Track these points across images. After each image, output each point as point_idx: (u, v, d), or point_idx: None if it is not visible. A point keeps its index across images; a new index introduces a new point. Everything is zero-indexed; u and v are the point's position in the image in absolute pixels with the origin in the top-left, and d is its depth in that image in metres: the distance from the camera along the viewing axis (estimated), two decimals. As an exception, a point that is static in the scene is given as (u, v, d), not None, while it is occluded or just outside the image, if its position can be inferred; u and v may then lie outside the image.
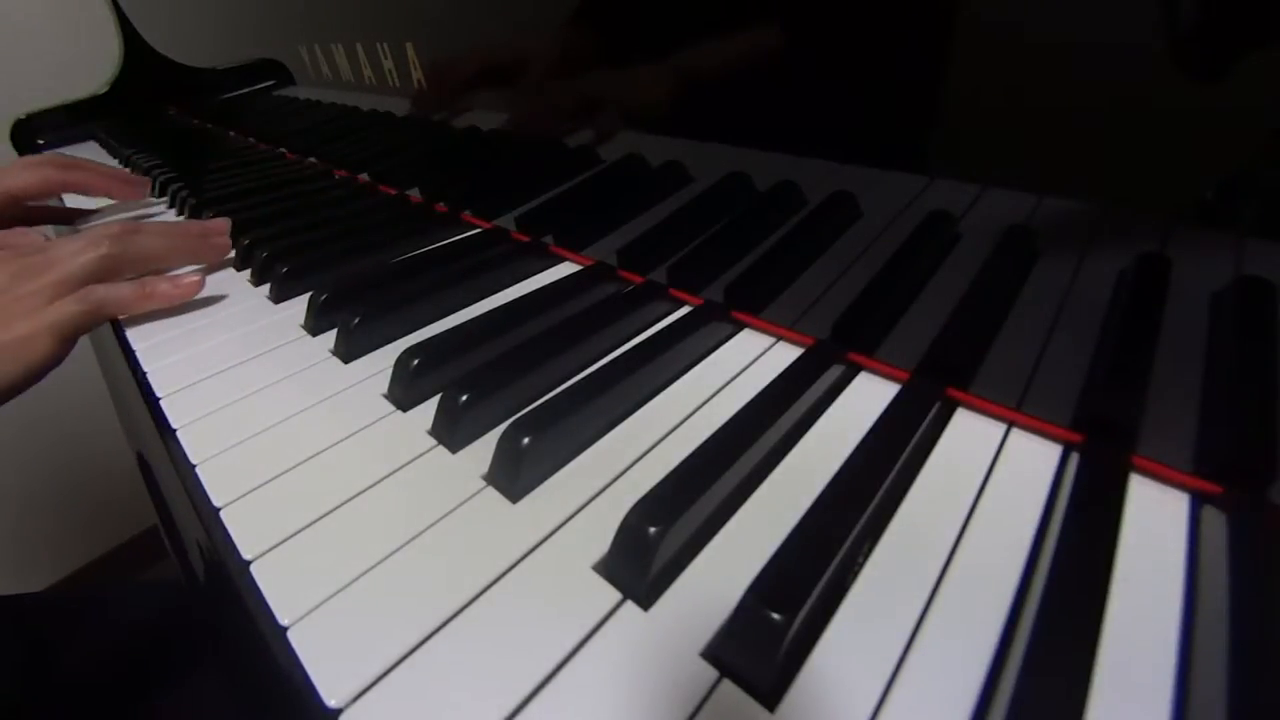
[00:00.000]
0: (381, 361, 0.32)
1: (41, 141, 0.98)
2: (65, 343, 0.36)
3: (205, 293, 0.42)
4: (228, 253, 0.47)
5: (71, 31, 1.08)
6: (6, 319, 0.35)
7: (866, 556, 0.20)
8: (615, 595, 0.20)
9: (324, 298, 0.36)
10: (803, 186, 0.29)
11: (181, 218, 0.59)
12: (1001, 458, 0.24)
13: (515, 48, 0.39)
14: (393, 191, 0.57)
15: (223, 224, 0.47)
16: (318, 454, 0.26)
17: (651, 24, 0.31)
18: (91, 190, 0.60)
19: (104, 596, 0.54)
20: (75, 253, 0.39)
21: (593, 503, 0.23)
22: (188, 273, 0.42)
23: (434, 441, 0.27)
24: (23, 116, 0.95)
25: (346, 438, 0.27)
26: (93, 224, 0.53)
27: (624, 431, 0.27)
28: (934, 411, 0.26)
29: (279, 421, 0.28)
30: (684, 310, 0.35)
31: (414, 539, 0.22)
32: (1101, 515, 0.21)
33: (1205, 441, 0.21)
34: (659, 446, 0.26)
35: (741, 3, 0.27)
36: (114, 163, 0.86)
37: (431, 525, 0.22)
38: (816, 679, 0.17)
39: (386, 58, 0.48)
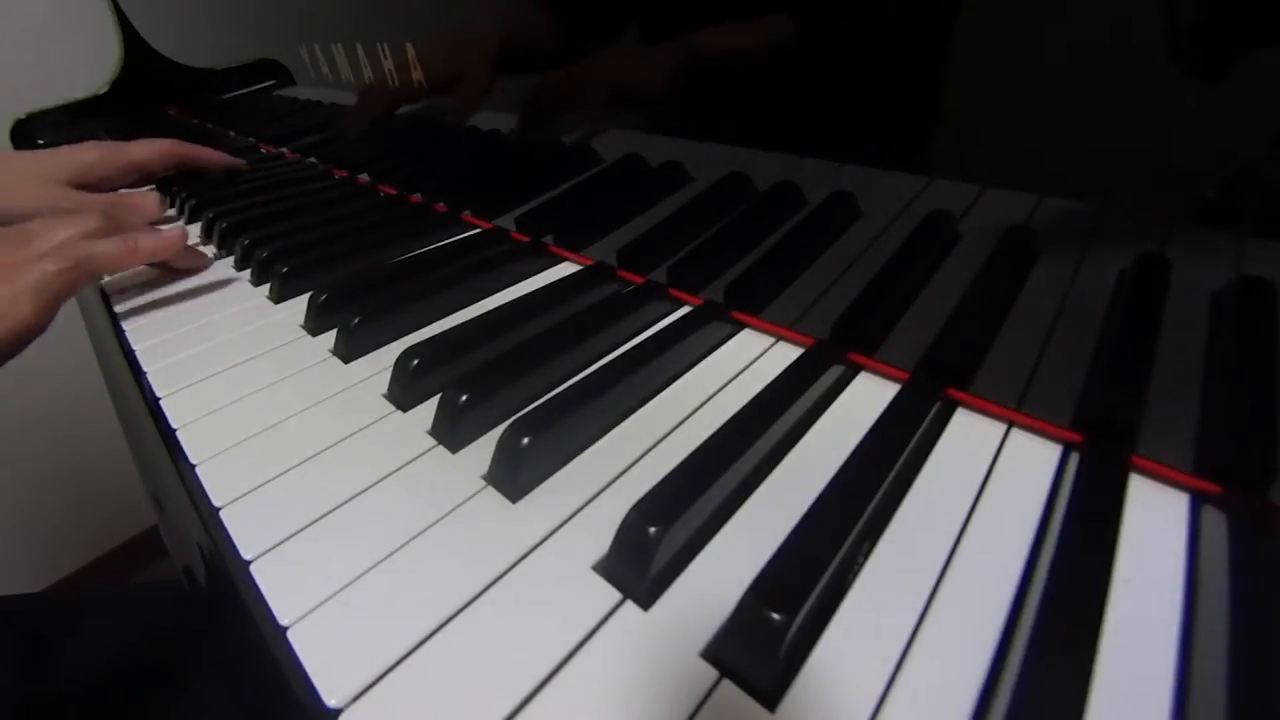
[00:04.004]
0: (381, 361, 0.32)
1: (41, 141, 0.98)
2: (47, 304, 0.36)
3: (206, 293, 0.43)
4: (181, 242, 0.46)
5: (71, 31, 1.08)
6: None
7: (867, 556, 0.20)
8: (615, 595, 0.20)
9: (324, 298, 0.36)
10: (803, 186, 0.29)
11: (181, 219, 0.59)
12: (1001, 458, 0.24)
13: (518, 48, 0.39)
14: (393, 191, 0.57)
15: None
16: (318, 454, 0.26)
17: (652, 24, 0.31)
18: (204, 162, 0.64)
19: (103, 597, 0.54)
20: (62, 223, 0.39)
21: (593, 502, 0.23)
22: (171, 227, 0.44)
23: (434, 441, 0.27)
24: (22, 116, 0.95)
25: (346, 438, 0.27)
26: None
27: (624, 431, 0.27)
28: (934, 411, 0.26)
29: (279, 421, 0.28)
30: (684, 310, 0.35)
31: (414, 539, 0.22)
32: (1101, 515, 0.21)
33: (1205, 441, 0.21)
34: (659, 446, 0.26)
35: (742, 3, 0.27)
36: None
37: (431, 525, 0.22)
38: (817, 679, 0.17)
39: (386, 58, 0.48)
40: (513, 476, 0.24)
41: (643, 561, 0.19)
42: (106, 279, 0.47)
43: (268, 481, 0.25)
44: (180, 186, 0.62)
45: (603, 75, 0.35)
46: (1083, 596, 0.18)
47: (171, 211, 0.63)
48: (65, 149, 0.56)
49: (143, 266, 0.47)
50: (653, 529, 0.19)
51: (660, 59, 0.31)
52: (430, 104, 0.49)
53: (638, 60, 0.33)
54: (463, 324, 0.34)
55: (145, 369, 0.34)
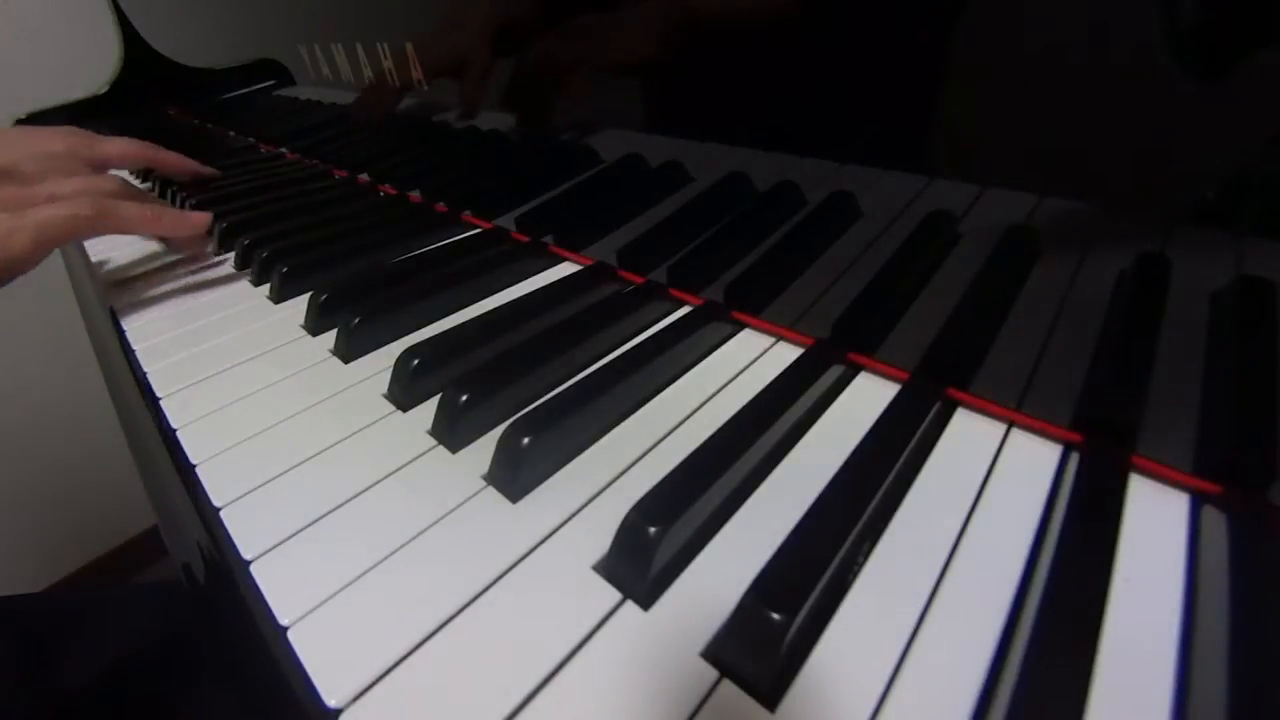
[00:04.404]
0: (382, 361, 0.32)
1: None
2: (45, 245, 0.36)
3: (206, 293, 0.43)
4: (204, 227, 0.47)
5: (71, 31, 1.08)
6: None
7: (867, 556, 0.20)
8: (615, 595, 0.20)
9: (324, 298, 0.36)
10: (803, 186, 0.29)
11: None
12: (1001, 458, 0.24)
13: (516, 43, 0.39)
14: (393, 191, 0.57)
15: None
16: (318, 454, 0.26)
17: (653, 20, 0.31)
18: (172, 169, 0.62)
19: (103, 597, 0.54)
20: (80, 177, 0.40)
21: (593, 502, 0.23)
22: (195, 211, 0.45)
23: (434, 441, 0.27)
24: (22, 116, 0.95)
25: (346, 438, 0.27)
26: None
27: (624, 431, 0.27)
28: (934, 411, 0.26)
29: (279, 421, 0.28)
30: (684, 310, 0.35)
31: (414, 539, 0.22)
32: (1101, 515, 0.21)
33: (1205, 441, 0.21)
34: (659, 446, 0.26)
35: (742, 2, 0.27)
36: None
37: (432, 525, 0.22)
38: (817, 679, 0.17)
39: (386, 58, 0.48)
40: (513, 476, 0.24)
41: (643, 561, 0.19)
42: (106, 269, 0.47)
43: (268, 481, 0.25)
44: (180, 185, 0.62)
45: (600, 55, 0.35)
46: (1083, 596, 0.18)
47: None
48: (33, 131, 0.53)
49: (145, 263, 0.47)
50: (653, 529, 0.19)
51: (662, 56, 0.31)
52: (437, 95, 0.49)
53: (639, 57, 0.33)
54: (463, 324, 0.34)
55: (145, 369, 0.34)
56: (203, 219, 0.45)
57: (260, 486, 0.25)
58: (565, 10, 0.35)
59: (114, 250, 0.51)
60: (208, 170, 0.64)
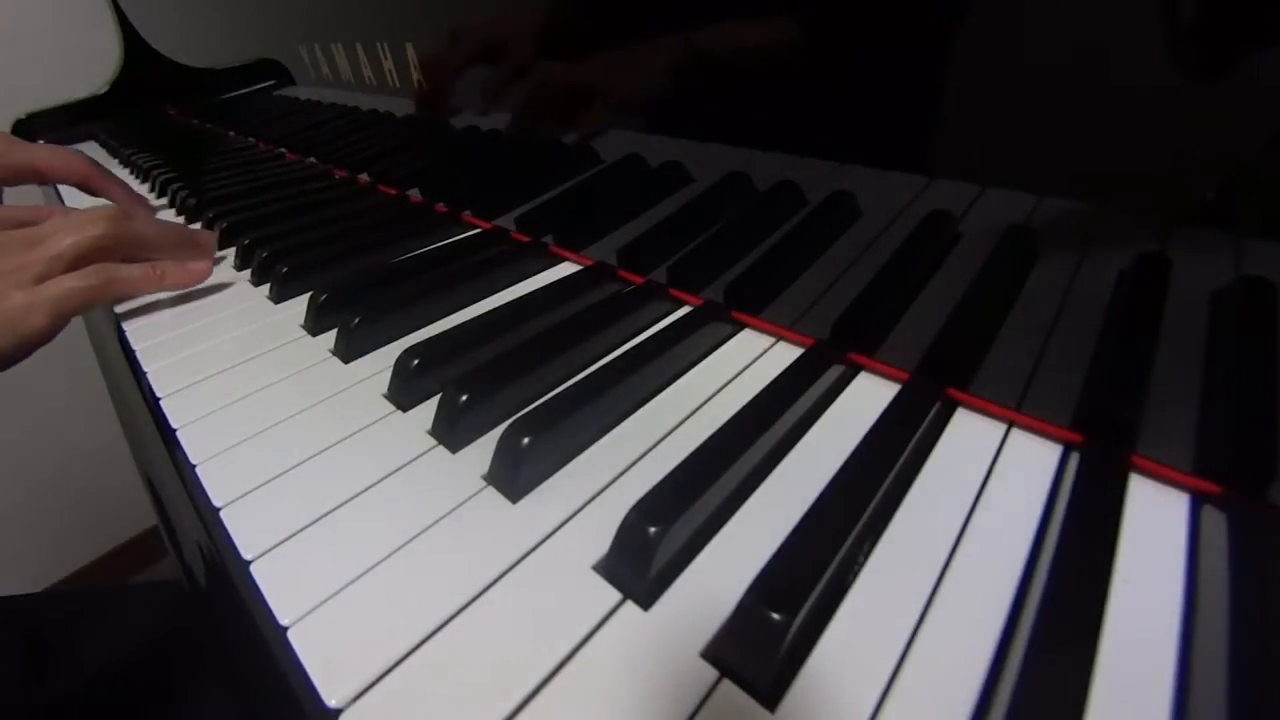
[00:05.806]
0: (381, 361, 0.32)
1: (41, 141, 0.98)
2: (62, 318, 0.36)
3: (206, 294, 0.43)
4: (213, 253, 0.47)
5: (71, 31, 1.08)
6: (1, 289, 0.34)
7: (867, 556, 0.20)
8: (615, 595, 0.20)
9: (324, 298, 0.36)
10: (803, 186, 0.29)
11: (180, 219, 0.59)
12: (1001, 458, 0.24)
13: (516, 44, 0.39)
14: (393, 191, 0.57)
15: (209, 235, 0.47)
16: (318, 454, 0.26)
17: (652, 22, 0.31)
18: (110, 198, 0.58)
19: (103, 597, 0.54)
20: (72, 228, 0.38)
21: (593, 502, 0.23)
22: (196, 261, 0.43)
23: (434, 441, 0.27)
24: (23, 116, 0.95)
25: (346, 438, 0.27)
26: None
27: (624, 431, 0.27)
28: (934, 411, 0.26)
29: (279, 421, 0.28)
30: (684, 310, 0.35)
31: (414, 539, 0.22)
32: (1101, 515, 0.21)
33: (1205, 441, 0.21)
34: (659, 446, 0.26)
35: (742, 2, 0.27)
36: (114, 163, 0.86)
37: (431, 525, 0.22)
38: (817, 679, 0.17)
39: (386, 58, 0.48)
40: (513, 476, 0.24)
41: (643, 561, 0.19)
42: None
43: (268, 481, 0.25)
44: (182, 184, 0.62)
45: (605, 75, 0.35)
46: (1083, 596, 0.18)
47: (163, 201, 0.63)
48: None
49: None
50: (653, 529, 0.19)
51: (662, 58, 0.31)
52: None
53: (639, 59, 0.33)
54: (463, 324, 0.34)
55: (145, 369, 0.34)
56: (204, 267, 0.43)
57: (260, 486, 0.25)
58: (577, 47, 0.35)
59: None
60: (138, 197, 0.58)
